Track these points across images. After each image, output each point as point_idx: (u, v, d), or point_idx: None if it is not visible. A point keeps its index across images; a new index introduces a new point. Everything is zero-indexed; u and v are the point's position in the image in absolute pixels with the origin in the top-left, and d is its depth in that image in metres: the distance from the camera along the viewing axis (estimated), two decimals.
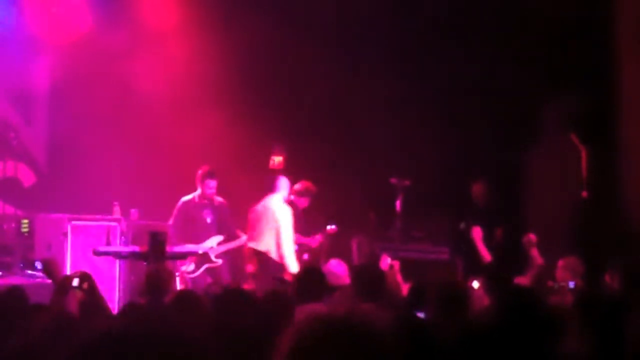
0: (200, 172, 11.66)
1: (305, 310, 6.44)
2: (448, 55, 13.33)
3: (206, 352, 1.86)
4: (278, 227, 11.18)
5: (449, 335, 4.25)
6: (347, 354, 2.02)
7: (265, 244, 11.24)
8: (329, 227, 12.39)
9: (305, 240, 12.15)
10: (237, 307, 5.72)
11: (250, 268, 11.27)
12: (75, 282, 7.05)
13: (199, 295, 7.07)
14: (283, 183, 11.62)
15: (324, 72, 13.44)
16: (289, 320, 5.85)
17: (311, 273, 7.53)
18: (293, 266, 10.92)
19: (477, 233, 11.57)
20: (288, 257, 11.08)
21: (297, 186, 12.20)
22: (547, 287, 9.04)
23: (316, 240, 12.26)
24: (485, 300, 7.20)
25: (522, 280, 9.48)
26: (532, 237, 10.28)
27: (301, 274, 7.46)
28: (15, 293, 6.66)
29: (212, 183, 11.62)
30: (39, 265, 7.73)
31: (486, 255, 11.37)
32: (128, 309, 7.14)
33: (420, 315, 6.03)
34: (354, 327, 2.09)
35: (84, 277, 7.13)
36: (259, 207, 11.48)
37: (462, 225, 12.06)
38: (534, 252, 10.08)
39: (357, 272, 7.69)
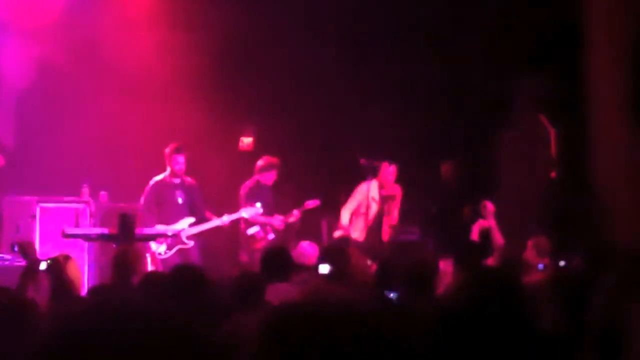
0: (168, 149, 11.64)
1: (275, 290, 6.46)
2: (417, 36, 13.34)
3: (175, 329, 1.84)
4: None
5: (421, 315, 4.25)
6: (328, 340, 2.01)
7: None
8: (309, 202, 12.45)
9: (269, 220, 12.12)
10: (191, 286, 5.68)
11: None
12: (43, 265, 7.03)
13: (165, 277, 7.05)
14: (382, 171, 12.26)
15: (293, 54, 13.41)
16: (259, 299, 5.87)
17: (277, 253, 7.53)
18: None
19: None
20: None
21: (259, 163, 12.21)
22: (517, 267, 9.03)
23: (279, 220, 12.24)
24: (452, 279, 7.21)
25: (491, 261, 9.49)
26: (489, 204, 10.14)
27: (267, 254, 7.46)
28: None
29: (180, 158, 11.60)
30: (15, 247, 7.71)
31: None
32: (96, 291, 7.11)
33: (390, 295, 6.04)
34: (333, 313, 2.08)
35: (55, 260, 7.12)
36: None
37: (434, 210, 12.09)
38: (493, 226, 10.00)
39: (323, 253, 7.68)
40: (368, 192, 12.07)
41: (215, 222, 11.61)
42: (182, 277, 5.90)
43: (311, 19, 13.48)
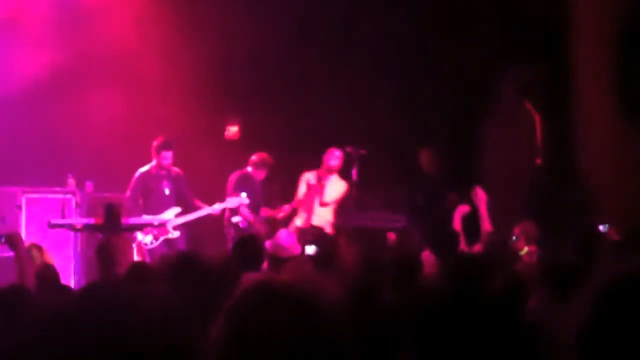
0: (155, 143, 11.61)
1: (248, 280, 6.47)
2: (401, 23, 13.32)
3: (161, 324, 1.84)
4: None
5: (401, 304, 4.24)
6: (292, 322, 2.00)
7: None
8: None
9: (250, 218, 12.07)
10: (190, 275, 5.69)
11: None
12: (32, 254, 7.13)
13: (152, 267, 7.06)
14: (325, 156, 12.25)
15: (278, 43, 13.39)
16: (235, 287, 5.87)
17: (247, 242, 7.57)
18: None
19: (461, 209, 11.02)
20: None
21: (253, 157, 12.21)
22: (503, 253, 9.02)
23: (265, 215, 12.23)
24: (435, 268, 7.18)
25: (478, 248, 9.46)
26: (480, 192, 10.05)
27: (238, 244, 7.51)
28: None
29: (168, 154, 11.58)
30: (2, 239, 7.72)
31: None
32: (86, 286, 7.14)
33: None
34: (299, 296, 2.07)
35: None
36: None
37: (420, 200, 12.08)
38: (483, 214, 9.93)
39: (312, 237, 7.68)
40: (307, 180, 12.13)
41: (206, 210, 11.59)
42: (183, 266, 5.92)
43: (297, 12, 13.46)
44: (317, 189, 12.11)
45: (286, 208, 12.33)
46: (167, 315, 1.88)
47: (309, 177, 12.21)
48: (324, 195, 12.11)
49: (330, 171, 12.19)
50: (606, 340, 1.93)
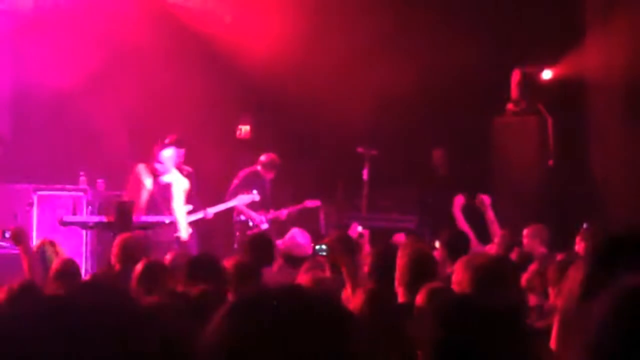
0: (167, 140, 11.57)
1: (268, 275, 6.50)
2: (414, 22, 13.32)
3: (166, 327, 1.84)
4: None
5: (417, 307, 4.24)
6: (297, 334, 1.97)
7: None
8: (309, 201, 12.39)
9: (252, 216, 11.95)
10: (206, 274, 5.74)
11: None
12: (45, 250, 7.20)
13: (165, 266, 7.06)
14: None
15: (291, 42, 13.39)
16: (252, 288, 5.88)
17: (259, 240, 7.59)
18: None
19: (458, 201, 10.83)
20: None
21: (262, 158, 12.14)
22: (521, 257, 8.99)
23: (264, 218, 12.12)
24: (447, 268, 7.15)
25: (491, 248, 9.43)
26: (485, 198, 10.02)
27: (250, 241, 7.53)
28: None
29: (180, 152, 11.55)
30: (7, 234, 7.75)
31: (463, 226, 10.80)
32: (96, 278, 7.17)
33: None
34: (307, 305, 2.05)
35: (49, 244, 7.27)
36: None
37: (429, 200, 12.07)
38: (491, 218, 9.91)
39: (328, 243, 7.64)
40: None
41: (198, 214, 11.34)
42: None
43: (307, 12, 13.48)
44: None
45: (284, 212, 12.19)
46: (169, 313, 1.88)
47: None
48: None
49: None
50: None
